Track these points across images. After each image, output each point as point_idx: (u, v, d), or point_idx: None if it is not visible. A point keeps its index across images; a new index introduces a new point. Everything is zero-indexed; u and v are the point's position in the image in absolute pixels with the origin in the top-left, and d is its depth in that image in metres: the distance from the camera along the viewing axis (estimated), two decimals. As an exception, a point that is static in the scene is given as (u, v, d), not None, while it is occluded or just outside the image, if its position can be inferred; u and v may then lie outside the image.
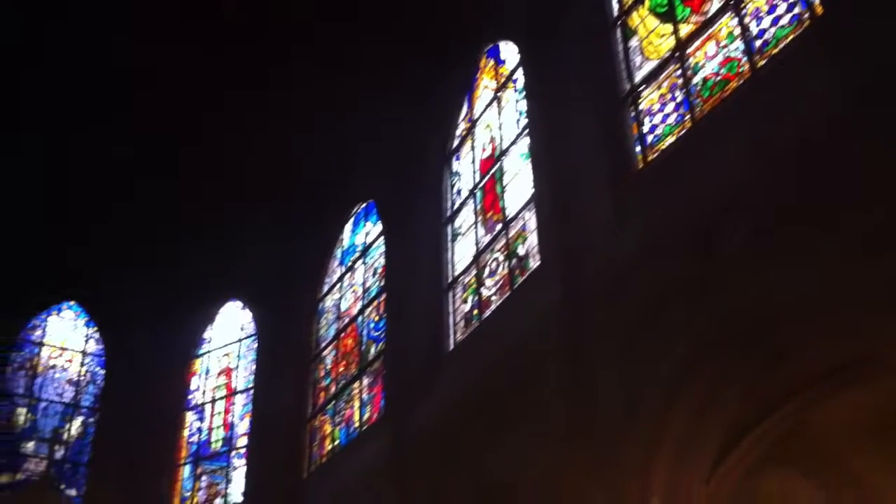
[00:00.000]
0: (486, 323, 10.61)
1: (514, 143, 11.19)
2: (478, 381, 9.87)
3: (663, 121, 8.59)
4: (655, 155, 8.47)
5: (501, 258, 10.92)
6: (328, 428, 14.12)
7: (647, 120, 8.79)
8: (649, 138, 8.68)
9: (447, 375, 10.83)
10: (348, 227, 15.53)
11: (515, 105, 11.41)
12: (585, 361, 8.10)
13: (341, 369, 14.35)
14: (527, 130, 10.80)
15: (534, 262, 10.07)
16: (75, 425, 16.75)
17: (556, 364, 8.47)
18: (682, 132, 8.22)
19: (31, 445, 16.27)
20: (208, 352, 17.42)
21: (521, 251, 10.50)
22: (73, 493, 15.88)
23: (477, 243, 11.54)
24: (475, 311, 11.12)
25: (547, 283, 9.18)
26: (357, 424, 13.22)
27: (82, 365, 17.29)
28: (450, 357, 11.17)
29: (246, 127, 14.89)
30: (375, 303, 13.76)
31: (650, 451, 7.24)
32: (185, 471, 16.43)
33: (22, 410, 16.50)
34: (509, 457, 8.87)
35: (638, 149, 8.72)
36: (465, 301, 11.48)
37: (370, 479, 11.47)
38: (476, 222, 11.72)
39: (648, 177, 8.40)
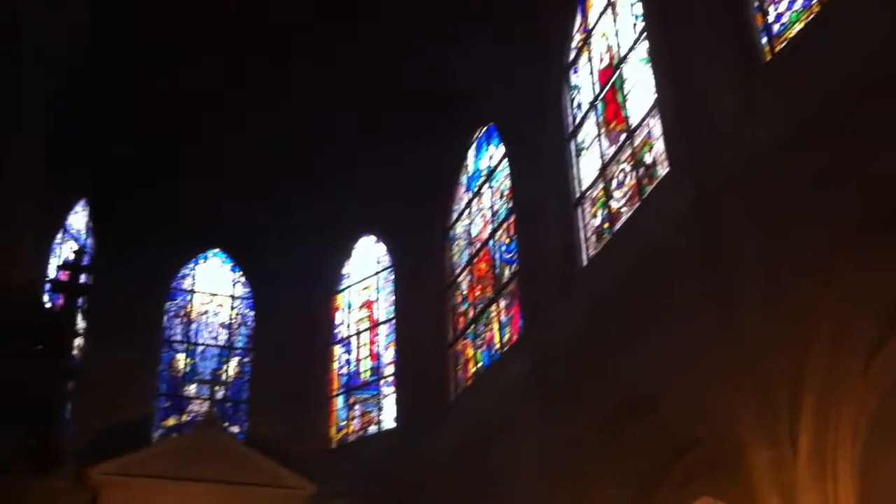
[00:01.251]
0: (618, 235, 10.52)
1: (632, 48, 10.88)
2: (614, 292, 9.83)
3: (789, 7, 8.18)
4: (783, 44, 8.10)
5: (628, 168, 10.76)
6: (470, 351, 14.41)
7: (771, 9, 8.39)
8: (775, 27, 8.29)
9: (582, 290, 10.82)
10: (471, 152, 15.56)
11: (631, 9, 11.07)
12: (727, 261, 7.95)
13: (477, 293, 14.55)
14: (645, 34, 10.49)
15: (662, 169, 9.87)
16: (232, 366, 17.66)
17: (696, 267, 8.34)
18: (810, 18, 7.82)
19: (192, 388, 17.26)
20: (348, 287, 17.95)
21: (647, 159, 10.31)
22: (236, 429, 16.79)
23: (602, 156, 11.38)
24: (606, 225, 11.03)
25: (678, 188, 9.01)
26: (498, 345, 13.44)
27: (232, 308, 18.13)
28: (584, 272, 11.15)
29: (363, 60, 15.00)
30: (505, 225, 13.83)
31: (801, 347, 7.08)
32: (339, 402, 17.12)
33: (181, 356, 17.49)
34: (651, 365, 8.86)
35: (764, 40, 8.35)
36: (594, 215, 11.39)
37: (515, 396, 11.68)
38: (599, 135, 11.54)
39: (777, 67, 8.06)
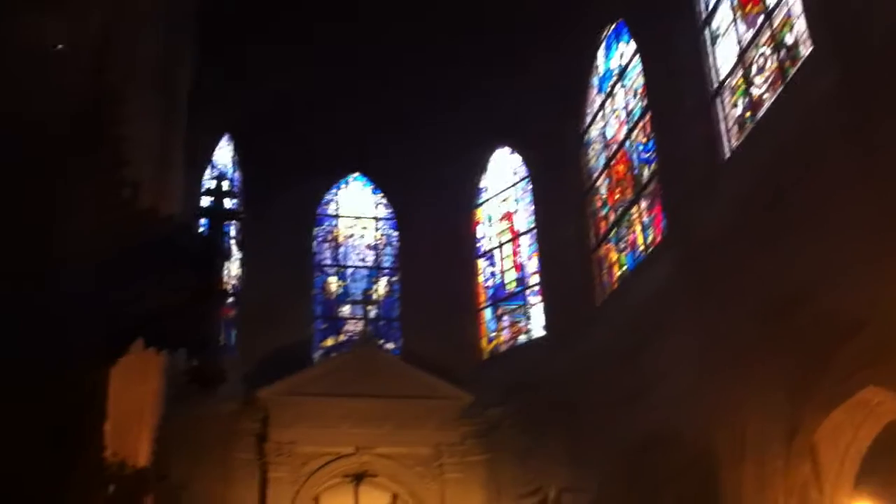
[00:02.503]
0: (761, 123, 10.09)
1: (765, -78, 10.27)
2: (760, 184, 9.51)
3: None
4: None
5: (768, 52, 10.26)
6: (614, 255, 14.29)
7: None
8: None
9: (727, 184, 10.50)
10: (601, 52, 15.16)
11: None
12: (878, 141, 7.52)
13: (617, 196, 14.35)
14: None
15: (805, 49, 9.36)
16: (381, 285, 18.17)
17: (846, 149, 7.94)
18: None
19: (346, 309, 17.89)
20: (487, 200, 18.03)
21: (789, 40, 9.80)
22: (390, 346, 17.35)
23: (739, 41, 10.87)
24: (748, 114, 10.60)
25: (823, 68, 8.54)
26: (642, 247, 13.26)
27: (377, 230, 18.57)
28: (727, 164, 10.79)
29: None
30: (641, 124, 13.49)
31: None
32: (487, 314, 17.39)
33: (333, 279, 18.12)
34: (806, 254, 8.56)
35: None
36: (734, 105, 10.96)
37: (663, 296, 11.56)
38: (735, 19, 11.01)
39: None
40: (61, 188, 2.71)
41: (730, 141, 10.92)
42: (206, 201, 3.72)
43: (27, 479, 2.70)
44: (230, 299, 15.78)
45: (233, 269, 16.22)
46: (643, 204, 13.34)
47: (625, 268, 13.82)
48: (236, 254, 16.28)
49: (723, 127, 11.06)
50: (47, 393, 2.66)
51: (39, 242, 2.70)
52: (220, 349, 3.82)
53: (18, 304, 2.63)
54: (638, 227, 13.47)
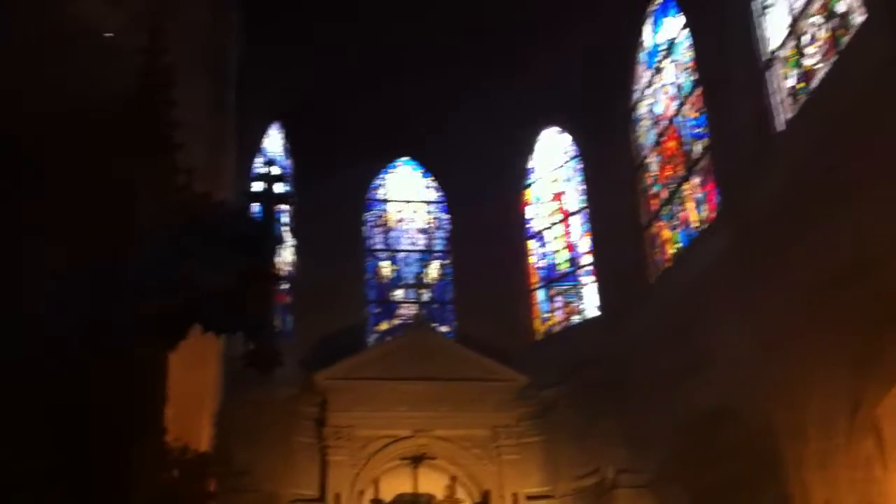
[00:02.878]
0: (815, 93, 9.89)
1: None
2: (815, 155, 9.33)
3: None
4: None
5: (820, 21, 10.04)
6: (667, 233, 14.15)
7: None
8: None
9: (781, 157, 10.32)
10: (647, 27, 14.97)
11: None
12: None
13: (668, 173, 14.19)
14: None
15: (859, 16, 9.15)
16: (433, 269, 18.24)
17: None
18: None
19: (399, 293, 18.01)
20: (536, 180, 17.96)
21: (841, 8, 9.58)
22: (444, 329, 17.42)
23: (790, 11, 10.66)
24: (800, 85, 10.40)
25: (877, 35, 8.33)
26: (695, 224, 13.12)
27: (427, 213, 18.63)
28: (780, 137, 10.60)
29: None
30: (691, 99, 13.31)
31: None
32: (540, 295, 17.36)
33: (385, 263, 18.24)
34: (865, 228, 8.39)
35: None
36: (786, 76, 10.75)
37: (718, 272, 11.42)
38: (786, -12, 10.79)
39: None
40: (120, 173, 2.78)
41: (783, 113, 10.72)
42: (257, 186, 3.77)
43: (93, 463, 2.78)
44: (285, 285, 15.98)
45: (286, 255, 16.41)
46: (695, 180, 13.18)
47: (678, 245, 13.68)
48: (289, 241, 16.47)
49: (775, 99, 10.86)
50: (111, 374, 2.73)
51: (110, 225, 2.77)
52: (277, 332, 3.89)
53: (86, 286, 2.71)
54: (690, 204, 13.32)
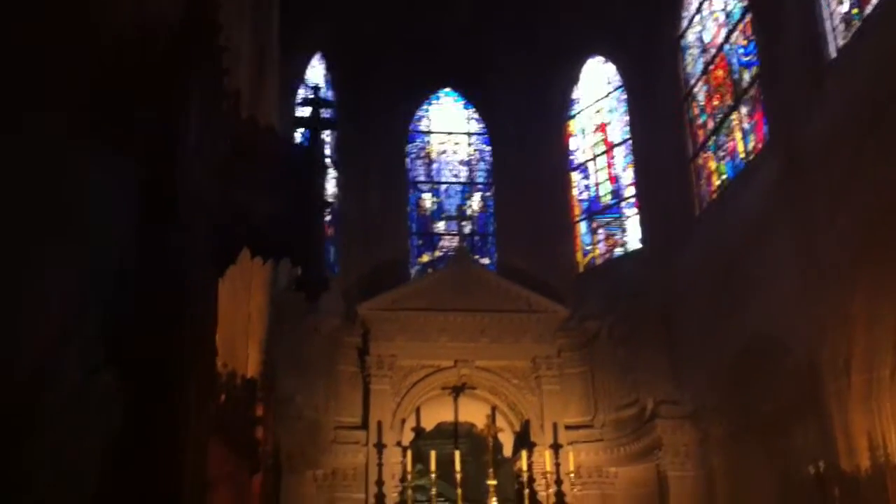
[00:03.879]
0: (870, 18, 9.58)
1: None
2: (869, 83, 9.08)
3: None
4: None
5: (878, -58, 9.66)
6: (713, 164, 13.95)
7: None
8: None
9: (834, 85, 10.06)
10: (698, -48, 14.56)
11: None
12: None
13: (716, 103, 13.93)
14: None
15: (920, -63, 8.80)
16: (475, 201, 18.20)
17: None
18: None
19: (441, 225, 18.03)
20: (580, 111, 17.73)
21: (901, -72, 9.20)
22: (486, 261, 17.45)
23: (846, -67, 10.28)
24: (854, 10, 10.07)
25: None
26: (742, 155, 12.91)
27: (469, 145, 18.52)
28: (833, 65, 10.32)
29: None
30: (741, 26, 12.98)
31: None
32: (582, 227, 17.27)
33: (427, 196, 18.23)
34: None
35: None
36: (840, 2, 10.42)
37: (766, 204, 11.26)
38: None
39: None
40: (169, 94, 2.78)
41: (836, 40, 10.41)
42: (303, 112, 3.76)
43: (151, 384, 2.83)
44: (328, 217, 16.07)
45: (328, 188, 16.47)
46: (743, 110, 12.93)
47: (724, 176, 13.49)
48: (332, 173, 16.50)
49: (828, 25, 10.55)
50: (165, 295, 2.77)
51: (163, 149, 2.79)
52: (324, 257, 3.92)
53: (138, 206, 2.74)
54: (738, 134, 13.08)
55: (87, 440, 2.52)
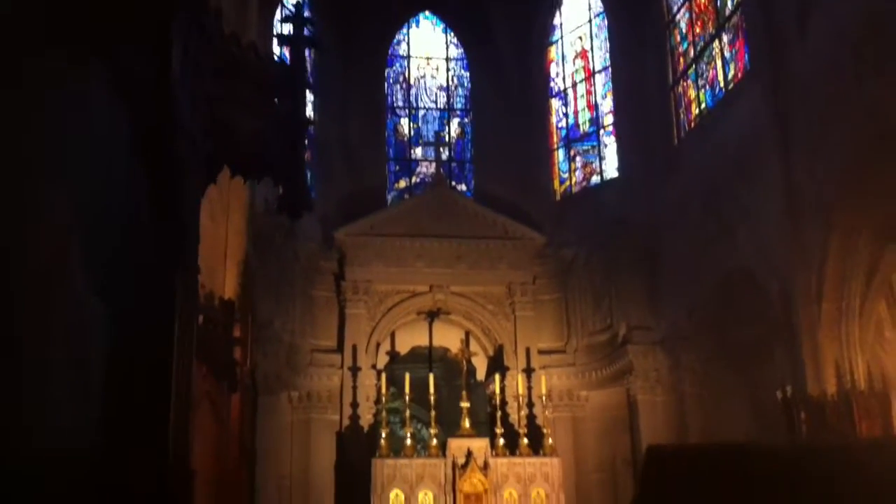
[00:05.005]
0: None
1: None
2: (856, 13, 9.00)
3: None
4: None
5: None
6: (692, 93, 13.91)
7: None
8: None
9: (820, 14, 9.97)
10: None
11: None
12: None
13: (698, 31, 13.84)
14: None
15: None
16: (453, 127, 18.09)
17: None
18: None
19: (419, 151, 17.93)
20: (561, 38, 17.54)
21: None
22: (463, 188, 17.43)
23: None
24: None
25: None
26: (722, 84, 12.87)
27: (448, 71, 18.32)
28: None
29: None
30: (726, -48, 12.84)
31: None
32: (559, 155, 17.25)
33: (405, 121, 18.09)
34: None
35: None
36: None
37: (747, 135, 11.25)
38: None
39: None
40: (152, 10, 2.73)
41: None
42: (284, 30, 3.71)
43: (135, 288, 2.83)
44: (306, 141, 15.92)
45: (307, 111, 16.27)
46: (725, 38, 12.85)
47: (703, 105, 13.48)
48: (309, 97, 16.30)
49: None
50: (151, 203, 2.76)
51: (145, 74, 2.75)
52: (305, 175, 3.89)
53: (125, 120, 2.71)
54: (719, 62, 13.03)
55: (85, 366, 2.54)
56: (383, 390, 13.82)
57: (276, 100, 3.43)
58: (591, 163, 16.72)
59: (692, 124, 13.74)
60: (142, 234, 2.73)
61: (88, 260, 2.52)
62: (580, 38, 17.26)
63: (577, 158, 16.95)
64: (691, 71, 13.89)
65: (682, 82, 14.21)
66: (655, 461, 1.79)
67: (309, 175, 16.03)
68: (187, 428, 3.20)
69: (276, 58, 3.76)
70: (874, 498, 1.91)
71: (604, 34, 16.76)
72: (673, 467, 1.82)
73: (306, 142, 13.43)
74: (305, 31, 3.65)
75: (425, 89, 18.21)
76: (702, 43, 13.54)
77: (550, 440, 13.29)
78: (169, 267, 2.93)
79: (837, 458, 2.00)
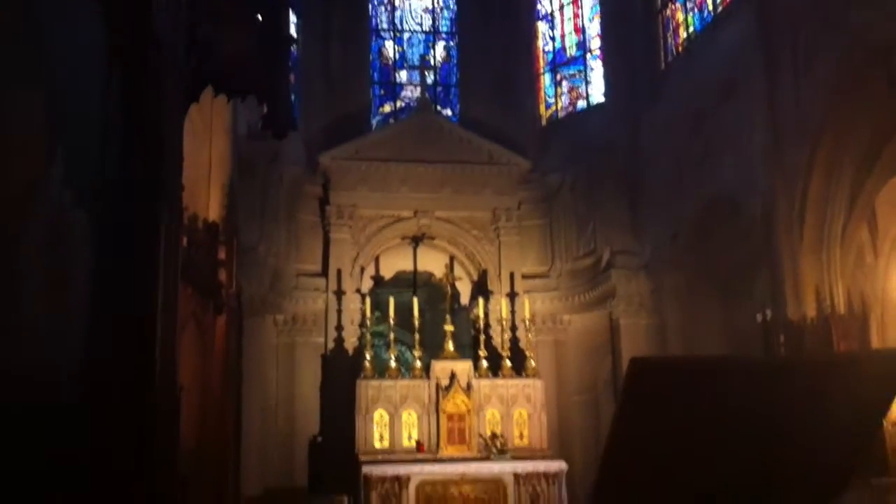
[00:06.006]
0: None
1: None
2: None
3: None
4: None
5: None
6: (680, 16, 13.76)
7: None
8: None
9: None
10: None
11: None
12: None
13: (687, -48, 13.62)
14: None
15: None
16: (439, 51, 17.85)
17: None
18: None
19: (403, 74, 17.71)
20: (548, -42, 17.24)
21: None
22: (448, 112, 17.28)
23: None
24: None
25: None
26: (711, 7, 12.73)
27: (433, -8, 18.00)
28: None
29: None
30: None
31: None
32: (546, 80, 17.10)
33: (389, 44, 17.82)
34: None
35: None
36: None
37: (735, 59, 11.16)
38: None
39: None
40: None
41: None
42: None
43: (120, 217, 2.83)
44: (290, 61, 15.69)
45: (290, 31, 16.01)
46: (714, -40, 12.67)
47: (692, 29, 13.34)
48: (293, 19, 16.01)
49: None
50: (134, 124, 2.74)
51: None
52: (290, 94, 3.85)
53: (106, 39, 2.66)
54: (708, -16, 12.86)
55: (69, 272, 2.54)
56: (368, 314, 13.91)
57: (258, 16, 3.38)
58: (578, 87, 16.59)
59: (679, 48, 13.62)
60: (124, 150, 2.71)
61: (69, 172, 2.51)
62: (568, -42, 16.95)
63: (564, 83, 16.80)
64: (680, -7, 13.72)
65: (669, 5, 14.04)
66: (638, 372, 1.83)
67: (293, 98, 15.90)
68: (174, 344, 3.23)
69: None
70: (855, 409, 1.96)
71: (592, -46, 16.47)
72: (655, 378, 1.86)
73: (290, 63, 13.27)
74: (288, -55, 3.58)
75: (410, 11, 17.91)
76: (691, -36, 13.34)
77: (533, 363, 13.48)
78: (151, 183, 2.92)
79: (819, 372, 2.05)
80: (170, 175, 2.95)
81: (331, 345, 14.56)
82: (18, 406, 2.41)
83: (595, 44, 16.30)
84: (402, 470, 11.97)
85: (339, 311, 14.65)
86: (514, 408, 13.07)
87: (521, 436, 13.00)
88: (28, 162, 2.40)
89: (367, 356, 13.22)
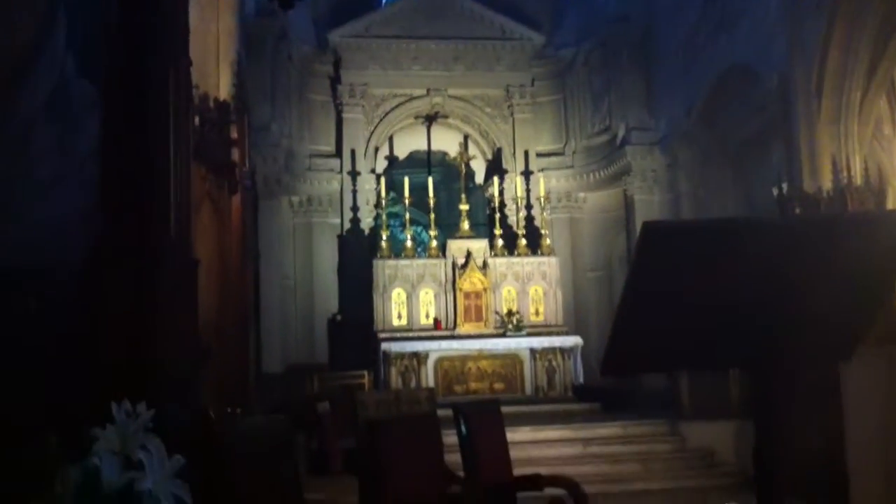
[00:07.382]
0: None
1: None
2: None
3: None
4: None
5: None
6: None
7: None
8: None
9: None
10: None
11: None
12: None
13: None
14: None
15: None
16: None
17: None
18: None
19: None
20: None
21: None
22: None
23: None
24: None
25: None
26: None
27: None
28: None
29: None
30: None
31: None
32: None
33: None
34: None
35: None
36: None
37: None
38: None
39: None
40: None
41: None
42: None
43: (124, 97, 2.80)
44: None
45: None
46: None
47: None
48: None
49: None
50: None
51: None
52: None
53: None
54: None
55: (76, 136, 2.53)
56: (383, 194, 13.92)
57: None
58: None
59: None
60: (127, 19, 2.66)
61: (74, 41, 2.47)
62: None
63: (579, -47, 16.25)
64: None
65: None
66: (650, 235, 1.83)
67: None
68: (189, 219, 3.26)
69: None
70: (868, 269, 1.96)
71: None
72: (668, 241, 1.86)
73: (295, -63, 12.85)
74: None
75: None
76: None
77: (548, 240, 13.55)
78: (159, 54, 2.88)
79: (832, 229, 2.04)
80: (175, 47, 2.90)
81: (347, 225, 14.64)
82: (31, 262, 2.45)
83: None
84: (420, 346, 12.21)
85: (355, 192, 14.67)
86: (530, 285, 13.21)
87: (537, 312, 13.19)
88: (29, 20, 2.37)
89: (384, 236, 13.31)
